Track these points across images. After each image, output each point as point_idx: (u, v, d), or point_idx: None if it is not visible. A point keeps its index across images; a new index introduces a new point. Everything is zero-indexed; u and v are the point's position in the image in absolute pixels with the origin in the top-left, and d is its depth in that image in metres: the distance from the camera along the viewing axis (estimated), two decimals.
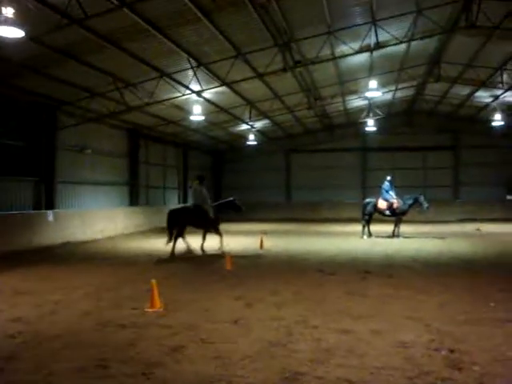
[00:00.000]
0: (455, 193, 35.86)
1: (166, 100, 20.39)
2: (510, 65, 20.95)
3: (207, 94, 21.09)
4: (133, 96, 18.93)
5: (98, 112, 20.46)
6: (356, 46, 17.82)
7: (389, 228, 21.15)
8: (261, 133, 32.97)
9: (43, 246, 17.56)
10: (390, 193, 20.41)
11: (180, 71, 17.91)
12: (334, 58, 19.02)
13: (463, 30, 17.33)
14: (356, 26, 16.71)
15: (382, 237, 20.19)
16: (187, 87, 19.35)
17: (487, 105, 28.43)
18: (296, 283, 10.35)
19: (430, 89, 27.91)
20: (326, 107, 28.70)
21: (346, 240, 19.69)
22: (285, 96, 24.26)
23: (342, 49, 18.25)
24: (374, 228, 21.19)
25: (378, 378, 4.99)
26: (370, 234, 20.30)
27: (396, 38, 17.44)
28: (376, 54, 19.05)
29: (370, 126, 31.79)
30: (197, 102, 21.15)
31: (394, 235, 20.19)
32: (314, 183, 36.86)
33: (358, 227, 21.32)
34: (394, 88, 26.41)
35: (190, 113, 22.15)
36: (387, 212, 20.41)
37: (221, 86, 19.67)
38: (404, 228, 21.07)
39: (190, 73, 17.88)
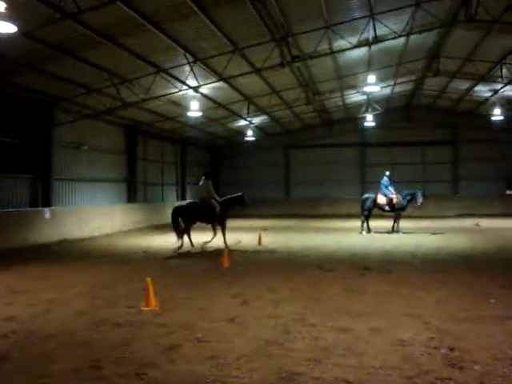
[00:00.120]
0: (454, 188, 35.74)
1: (163, 96, 20.24)
2: (509, 59, 20.79)
3: (204, 90, 20.93)
4: (129, 92, 18.78)
5: (95, 108, 20.31)
6: (354, 40, 17.67)
7: (388, 223, 21.05)
8: (259, 128, 32.81)
9: (40, 244, 17.45)
10: (390, 188, 20.30)
11: (176, 67, 17.75)
12: (332, 53, 18.88)
13: (462, 24, 17.17)
14: (354, 20, 16.54)
15: (381, 232, 20.10)
16: (184, 83, 19.20)
17: (486, 99, 28.28)
18: (294, 280, 10.24)
19: (429, 83, 27.75)
20: (325, 102, 28.55)
21: (345, 236, 19.59)
22: (283, 91, 24.11)
23: (340, 43, 18.10)
24: (373, 223, 21.09)
25: (376, 378, 4.88)
26: (369, 230, 20.21)
27: (394, 32, 17.27)
28: (374, 48, 18.89)
29: (369, 121, 31.63)
30: (194, 97, 20.98)
31: (393, 231, 20.10)
32: (313, 179, 36.72)
33: (357, 223, 21.22)
34: (392, 83, 26.29)
35: (187, 109, 21.97)
36: (386, 207, 20.31)
37: (218, 81, 19.50)
38: (403, 223, 20.97)
39: (187, 68, 17.71)
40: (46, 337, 6.52)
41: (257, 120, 29.92)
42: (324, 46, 18.00)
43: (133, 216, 25.08)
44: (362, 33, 17.07)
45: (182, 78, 18.84)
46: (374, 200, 20.27)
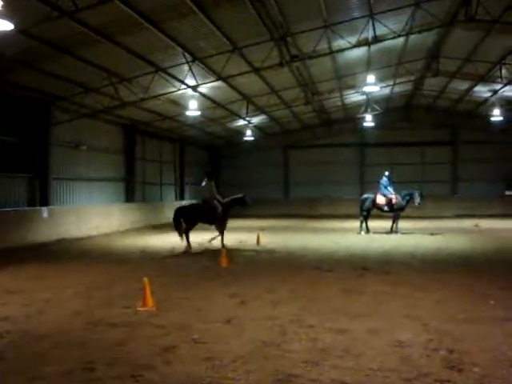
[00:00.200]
0: (453, 188, 35.70)
1: (162, 95, 20.18)
2: (509, 59, 20.74)
3: (203, 89, 20.86)
4: (128, 91, 18.70)
5: (93, 107, 20.24)
6: (353, 39, 17.61)
7: (386, 224, 20.98)
8: (258, 128, 32.75)
9: (37, 243, 17.38)
10: (389, 188, 20.24)
11: (175, 66, 17.69)
12: (331, 53, 18.82)
13: (462, 24, 17.12)
14: (353, 19, 16.49)
15: (380, 233, 20.03)
16: (183, 82, 19.13)
17: (486, 100, 28.24)
18: (292, 280, 10.17)
19: (429, 84, 27.69)
20: (324, 102, 28.49)
21: (343, 236, 19.52)
22: (282, 91, 24.05)
23: (340, 43, 18.04)
24: (372, 224, 21.03)
25: (374, 380, 4.82)
26: (367, 230, 20.14)
27: (394, 32, 17.21)
28: (374, 48, 18.83)
29: (368, 121, 31.56)
30: (193, 97, 20.91)
31: (392, 231, 20.03)
32: (312, 179, 36.66)
33: (356, 223, 21.15)
34: (391, 83, 26.24)
35: (186, 108, 21.91)
36: (386, 208, 20.24)
37: (216, 80, 19.42)
38: (402, 224, 20.90)
39: (186, 67, 17.64)
40: (40, 337, 6.45)
41: (256, 120, 29.86)
42: (323, 46, 17.94)
43: (131, 216, 25.01)
44: (362, 32, 17.01)
45: (181, 78, 18.77)
46: (373, 200, 20.21)
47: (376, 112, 31.08)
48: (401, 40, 19.01)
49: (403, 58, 21.82)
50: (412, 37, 18.72)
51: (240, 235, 18.64)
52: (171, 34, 14.93)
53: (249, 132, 31.48)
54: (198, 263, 12.92)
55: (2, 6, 9.43)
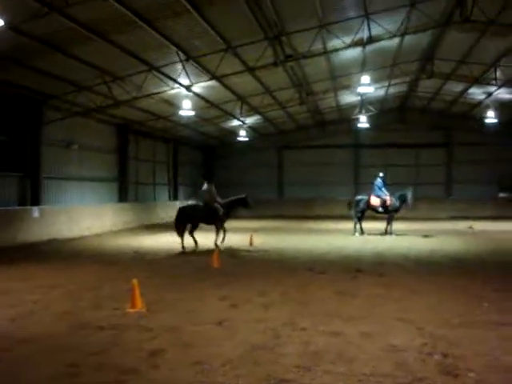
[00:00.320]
0: (447, 190, 35.71)
1: (155, 94, 20.01)
2: (503, 61, 20.70)
3: (197, 89, 20.71)
4: (121, 90, 18.52)
5: (85, 106, 20.04)
6: (348, 40, 17.52)
7: (381, 225, 20.88)
8: (252, 129, 32.61)
9: (28, 243, 17.16)
10: (383, 189, 20.15)
11: (169, 65, 17.53)
12: (326, 52, 18.71)
13: (457, 26, 17.08)
14: (348, 19, 16.39)
15: (374, 234, 19.92)
16: (176, 81, 18.97)
17: (480, 102, 28.22)
18: (285, 282, 10.03)
19: (423, 85, 27.68)
20: (318, 103, 28.40)
21: (337, 237, 19.40)
22: (276, 91, 23.93)
23: (334, 43, 17.95)
24: (366, 225, 20.92)
25: None
26: (362, 232, 20.04)
27: (389, 32, 17.12)
28: (369, 48, 18.77)
29: (363, 122, 31.52)
30: (186, 96, 20.73)
31: (386, 232, 19.93)
32: (306, 180, 36.58)
33: (350, 224, 21.03)
34: (386, 84, 26.17)
35: (179, 108, 21.74)
36: (380, 209, 20.15)
37: (210, 80, 19.28)
38: (396, 225, 20.79)
39: (179, 66, 17.48)
40: (25, 340, 6.28)
41: (250, 120, 29.72)
42: (318, 46, 17.83)
43: (123, 216, 24.80)
44: (357, 33, 16.94)
45: (175, 77, 18.60)
46: (368, 201, 20.11)
47: (370, 113, 31.03)
48: (396, 41, 18.96)
49: (398, 59, 21.77)
50: (407, 38, 18.67)
51: (233, 236, 18.43)
52: (165, 33, 14.78)
53: (243, 132, 31.35)
54: (190, 264, 12.76)
55: None
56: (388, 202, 19.91)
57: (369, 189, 21.97)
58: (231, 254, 14.60)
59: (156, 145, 30.64)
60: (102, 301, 8.44)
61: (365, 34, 16.94)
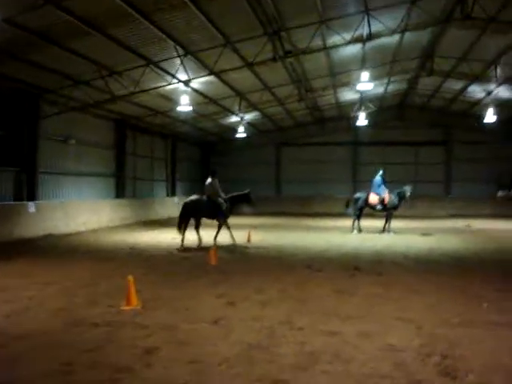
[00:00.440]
0: (446, 188, 35.66)
1: (153, 89, 19.85)
2: (504, 59, 20.59)
3: (195, 84, 20.58)
4: (118, 85, 18.37)
5: (82, 101, 19.90)
6: (348, 36, 17.40)
7: (379, 223, 20.80)
8: (251, 125, 32.50)
9: (24, 239, 17.01)
10: (382, 187, 20.05)
11: (167, 59, 17.39)
12: (325, 48, 18.59)
13: (457, 23, 16.99)
14: (348, 15, 16.27)
15: (373, 232, 19.84)
16: (174, 76, 18.82)
17: (480, 100, 28.12)
18: (283, 280, 9.94)
19: (423, 83, 27.58)
20: (317, 100, 28.29)
21: (335, 235, 19.31)
22: (275, 87, 23.81)
23: (334, 39, 17.82)
24: (365, 223, 20.83)
25: None
26: (360, 229, 19.96)
27: (389, 29, 17.00)
28: (368, 45, 18.63)
29: (362, 119, 31.41)
30: (185, 92, 20.61)
31: (384, 230, 19.85)
32: (305, 177, 36.50)
33: (349, 222, 20.95)
34: (386, 81, 26.05)
35: (177, 103, 21.60)
36: (378, 206, 20.06)
37: (209, 75, 19.14)
38: (394, 223, 20.70)
39: (178, 61, 17.36)
40: (19, 337, 6.18)
41: (248, 116, 29.61)
42: (317, 42, 17.71)
43: (121, 212, 24.66)
44: (357, 29, 16.82)
45: (173, 72, 18.46)
46: (366, 199, 20.02)
47: (370, 110, 30.92)
48: (396, 38, 18.85)
49: (398, 56, 21.65)
50: (407, 35, 18.56)
51: (225, 232, 18.30)
52: (163, 27, 14.64)
53: (241, 129, 31.22)
54: (188, 261, 12.66)
55: None
56: (386, 200, 19.82)
57: (367, 186, 21.89)
58: (229, 250, 14.51)
59: (154, 140, 30.51)
60: (97, 297, 8.33)
61: (365, 31, 16.82)
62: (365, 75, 20.52)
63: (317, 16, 15.83)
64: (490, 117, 27.17)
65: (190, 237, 15.53)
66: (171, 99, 22.24)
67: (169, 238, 17.71)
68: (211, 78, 19.82)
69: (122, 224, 23.86)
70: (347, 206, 20.79)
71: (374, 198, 19.94)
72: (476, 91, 26.68)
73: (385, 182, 20.37)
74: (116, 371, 4.98)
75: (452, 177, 35.53)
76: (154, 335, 6.19)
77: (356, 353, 5.47)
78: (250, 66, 18.83)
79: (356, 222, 20.09)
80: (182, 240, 15.18)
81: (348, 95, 28.55)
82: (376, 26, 16.76)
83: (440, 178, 35.73)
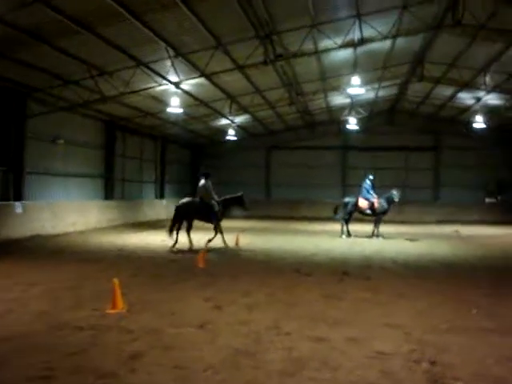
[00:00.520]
0: (435, 194, 35.80)
1: (143, 90, 19.69)
2: (493, 66, 20.71)
3: (186, 86, 20.45)
4: (108, 85, 18.19)
5: (71, 101, 19.67)
6: (339, 40, 17.35)
7: (368, 228, 20.80)
8: (241, 128, 32.38)
9: (11, 239, 16.77)
10: (371, 192, 20.07)
11: (157, 61, 17.22)
12: (317, 52, 18.55)
13: (448, 29, 17.04)
14: (340, 19, 16.26)
15: (361, 237, 19.82)
16: (165, 78, 18.70)
17: (469, 107, 28.28)
18: (271, 284, 9.87)
19: (413, 89, 27.65)
20: (308, 103, 28.23)
21: (324, 239, 19.28)
22: (266, 91, 23.74)
23: (326, 43, 17.79)
24: (354, 228, 20.82)
25: None
26: (349, 234, 19.94)
27: (381, 34, 17.01)
28: (360, 50, 18.62)
29: (352, 124, 31.46)
30: (175, 93, 20.47)
31: (373, 235, 19.85)
32: (294, 181, 36.44)
33: (337, 226, 20.94)
34: (376, 86, 26.09)
35: (168, 105, 21.46)
36: (368, 211, 20.08)
37: (200, 77, 19.03)
38: (383, 228, 20.71)
39: (168, 63, 17.21)
40: (1, 339, 6.05)
41: (239, 119, 29.52)
42: (309, 46, 17.65)
43: (109, 213, 24.45)
44: (348, 33, 16.78)
45: (163, 73, 18.32)
46: (356, 204, 20.03)
47: (360, 115, 30.97)
48: (387, 43, 18.86)
49: (389, 61, 21.67)
50: (398, 40, 18.58)
51: (219, 236, 18.23)
52: (153, 27, 14.48)
53: (232, 132, 31.14)
54: (176, 263, 12.56)
55: None
56: (376, 205, 19.84)
57: (356, 191, 21.89)
58: (217, 253, 14.42)
59: (143, 142, 30.31)
60: (82, 300, 8.21)
61: (356, 35, 16.81)
62: (356, 80, 20.53)
63: (308, 20, 15.79)
64: (479, 123, 27.34)
65: (181, 239, 15.43)
66: (161, 101, 22.09)
67: (157, 240, 17.58)
68: (202, 80, 19.72)
69: (110, 225, 23.66)
70: (335, 212, 20.79)
71: (363, 203, 19.97)
72: (465, 98, 26.81)
73: (374, 186, 20.39)
74: (99, 377, 4.86)
75: (441, 182, 35.67)
76: (139, 339, 6.08)
77: (343, 359, 5.40)
78: (241, 68, 18.75)
79: (345, 226, 20.07)
80: (176, 241, 15.16)
81: (339, 100, 28.57)
82: (367, 31, 16.76)
83: (429, 184, 35.86)
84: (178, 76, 18.09)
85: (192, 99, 22.90)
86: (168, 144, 33.20)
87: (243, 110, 27.01)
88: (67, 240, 17.72)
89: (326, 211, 31.99)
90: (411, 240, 19.21)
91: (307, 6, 14.77)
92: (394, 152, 35.34)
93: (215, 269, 11.64)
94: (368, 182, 20.23)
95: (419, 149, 35.44)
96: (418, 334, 6.38)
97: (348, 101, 28.77)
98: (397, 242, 18.68)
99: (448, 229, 25.37)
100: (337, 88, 25.05)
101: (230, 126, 30.12)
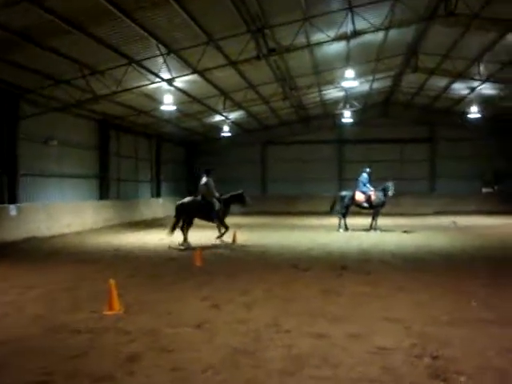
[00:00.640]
0: (431, 185, 35.80)
1: (136, 88, 19.54)
2: (487, 56, 20.65)
3: (179, 83, 20.30)
4: (100, 84, 18.04)
5: (64, 101, 19.50)
6: (332, 33, 17.27)
7: (365, 221, 20.75)
8: (236, 124, 32.28)
9: (6, 242, 16.63)
10: (367, 185, 20.02)
11: (149, 58, 17.08)
12: (310, 46, 18.44)
13: (441, 20, 16.95)
14: (332, 12, 16.14)
15: (359, 230, 19.78)
16: (157, 75, 18.56)
17: (464, 97, 28.22)
18: (269, 280, 9.80)
19: (407, 80, 27.56)
20: (302, 98, 28.13)
21: (321, 233, 19.23)
22: (260, 86, 23.62)
23: (318, 37, 17.70)
24: (351, 221, 20.76)
25: None
26: (346, 228, 19.89)
27: (373, 26, 16.92)
28: (353, 42, 18.57)
29: (347, 117, 31.38)
30: (168, 91, 20.34)
31: (371, 228, 19.81)
32: (290, 176, 36.40)
33: (334, 220, 20.88)
34: (371, 78, 26.01)
35: (161, 103, 21.34)
36: (365, 204, 20.04)
37: (192, 73, 18.90)
38: (381, 221, 20.66)
39: (160, 60, 17.09)
40: None
41: (233, 115, 29.40)
42: (302, 39, 17.55)
43: (105, 213, 24.31)
44: (341, 26, 16.70)
45: (155, 70, 18.18)
46: (353, 197, 19.98)
47: (354, 108, 30.88)
48: (380, 35, 18.77)
49: (382, 53, 21.57)
50: (391, 32, 18.49)
51: (216, 233, 18.18)
52: (145, 25, 14.34)
53: (226, 128, 31.02)
54: (173, 263, 12.46)
55: None
56: (373, 197, 19.80)
57: (353, 184, 21.83)
58: (215, 251, 14.34)
59: (138, 141, 30.16)
60: (79, 302, 8.11)
61: (349, 28, 16.73)
62: (349, 73, 20.43)
63: (300, 13, 15.68)
64: (474, 114, 27.29)
65: (180, 238, 15.40)
66: (155, 98, 21.96)
67: (155, 239, 17.49)
68: (195, 76, 19.59)
69: (106, 226, 23.54)
70: (332, 208, 20.73)
71: (360, 196, 19.93)
72: (460, 88, 26.74)
73: (370, 179, 20.34)
74: (96, 380, 4.79)
75: (437, 174, 35.68)
76: (136, 341, 6.00)
77: (344, 356, 5.33)
78: (233, 64, 18.64)
79: (342, 220, 20.02)
80: (185, 239, 15.36)
81: (333, 93, 28.47)
82: (360, 23, 16.67)
83: (425, 175, 35.86)
84: (171, 73, 17.96)
85: (185, 96, 22.77)
86: (163, 142, 33.06)
87: (237, 105, 26.88)
88: (63, 241, 17.60)
89: (322, 205, 31.88)
90: (408, 232, 19.18)
91: (299, 0, 14.65)
92: (390, 144, 35.31)
93: (213, 267, 11.56)
94: (364, 175, 20.19)
95: (414, 140, 35.42)
96: (418, 328, 6.33)
97: (342, 94, 28.70)
98: (394, 234, 18.64)
99: (445, 220, 25.37)
100: (330, 81, 24.95)
101: (225, 122, 30.02)
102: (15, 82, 17.50)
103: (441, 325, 6.49)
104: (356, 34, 17.05)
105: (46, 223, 19.25)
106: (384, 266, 11.56)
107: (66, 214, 20.95)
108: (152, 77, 18.70)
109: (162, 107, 21.57)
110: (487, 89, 25.50)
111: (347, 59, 20.98)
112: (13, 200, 18.36)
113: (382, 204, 20.09)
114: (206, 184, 15.65)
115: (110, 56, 16.36)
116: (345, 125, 33.72)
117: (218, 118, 29.07)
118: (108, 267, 11.68)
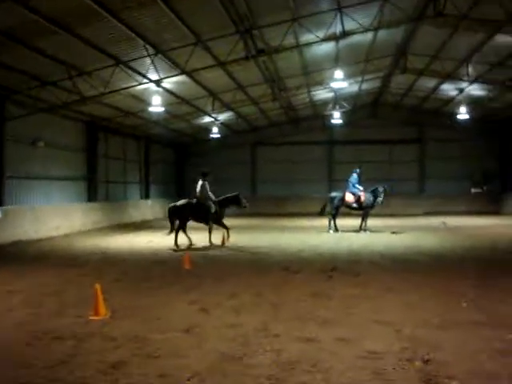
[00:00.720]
0: (421, 186, 35.88)
1: (123, 89, 19.33)
2: (475, 57, 20.70)
3: (167, 84, 20.15)
4: (87, 85, 17.83)
5: (50, 102, 19.25)
6: (321, 34, 17.19)
7: (355, 222, 20.72)
8: (225, 125, 32.15)
9: None
10: (357, 186, 19.99)
11: (137, 59, 16.90)
12: (298, 46, 18.36)
13: (430, 20, 16.96)
14: (321, 12, 16.07)
15: (349, 231, 19.73)
16: (145, 76, 18.38)
17: (452, 98, 28.30)
18: (258, 283, 9.69)
19: (396, 81, 27.61)
20: (291, 99, 28.06)
21: (312, 235, 19.17)
22: (248, 87, 23.51)
23: (307, 37, 17.61)
24: (341, 222, 20.71)
25: None
26: (336, 229, 19.84)
27: (362, 26, 16.88)
28: (342, 43, 18.49)
29: (336, 118, 31.37)
30: (156, 92, 20.18)
31: (360, 229, 19.77)
32: (280, 177, 36.33)
33: (324, 221, 20.83)
34: (360, 79, 26.00)
35: (149, 104, 21.16)
36: (354, 205, 20.00)
37: (180, 74, 18.75)
38: (370, 222, 20.64)
39: (148, 61, 16.92)
40: None
41: (222, 117, 29.25)
42: (290, 40, 17.46)
43: (93, 216, 24.07)
44: (330, 27, 16.62)
45: (143, 71, 18.01)
46: (343, 198, 19.93)
47: (344, 109, 30.88)
48: (369, 36, 18.74)
49: (371, 54, 21.56)
50: (380, 33, 18.45)
51: (205, 235, 18.03)
52: (131, 25, 14.16)
53: (215, 129, 30.88)
54: (161, 266, 12.30)
55: None
56: (362, 198, 19.77)
57: (343, 185, 21.80)
58: (203, 254, 14.20)
59: (126, 142, 29.92)
60: (64, 307, 7.95)
61: (337, 28, 16.66)
62: (339, 73, 20.38)
63: (289, 14, 15.59)
64: (463, 115, 27.36)
65: (171, 240, 15.30)
66: (143, 100, 21.77)
67: (143, 241, 17.32)
68: (183, 77, 19.44)
69: (94, 228, 23.30)
70: (321, 213, 20.68)
71: (350, 197, 19.89)
72: (448, 89, 26.82)
73: (360, 180, 20.31)
74: None
75: (426, 174, 35.77)
76: (122, 347, 5.86)
77: (334, 361, 5.22)
78: (222, 65, 18.51)
79: (332, 221, 19.97)
80: (189, 240, 15.54)
81: (322, 94, 28.42)
82: (349, 24, 16.61)
83: (414, 176, 35.94)
84: (159, 74, 17.79)
85: (173, 97, 22.61)
86: (151, 144, 32.85)
87: (226, 106, 26.75)
88: (50, 244, 17.36)
89: (312, 206, 31.86)
90: (397, 233, 19.16)
91: (287, 0, 14.57)
92: (379, 145, 35.34)
93: (201, 270, 11.42)
94: (354, 175, 20.16)
95: (403, 141, 35.50)
96: (409, 331, 6.24)
97: (331, 95, 28.66)
98: (384, 235, 18.61)
99: (435, 220, 25.41)
100: (320, 82, 24.90)
101: (214, 123, 29.88)
102: (1, 82, 17.25)
103: (431, 327, 6.41)
104: (345, 34, 16.98)
105: (33, 226, 19.00)
106: (373, 266, 11.51)
107: (54, 216, 20.69)
108: (140, 78, 18.52)
109: (150, 108, 21.40)
110: (476, 90, 25.59)
111: (336, 60, 20.94)
112: None
113: (371, 205, 20.06)
114: (202, 187, 15.65)
115: (97, 57, 16.17)
116: (334, 126, 33.69)
117: (206, 119, 28.91)
118: (95, 271, 11.51)
